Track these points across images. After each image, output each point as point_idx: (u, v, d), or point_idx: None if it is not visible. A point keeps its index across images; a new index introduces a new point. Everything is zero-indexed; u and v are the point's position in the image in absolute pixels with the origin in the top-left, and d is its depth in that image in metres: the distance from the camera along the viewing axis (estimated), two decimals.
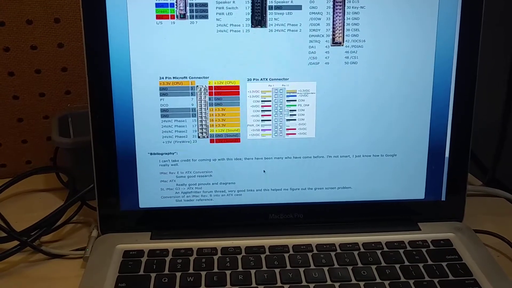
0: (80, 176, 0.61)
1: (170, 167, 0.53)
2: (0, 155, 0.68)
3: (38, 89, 0.67)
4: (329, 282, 0.47)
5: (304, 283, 0.47)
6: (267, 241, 0.52)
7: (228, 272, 0.48)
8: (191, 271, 0.48)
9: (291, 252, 0.51)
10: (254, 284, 0.47)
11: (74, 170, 0.62)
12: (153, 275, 0.48)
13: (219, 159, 0.53)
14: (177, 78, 0.51)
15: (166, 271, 0.48)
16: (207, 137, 0.53)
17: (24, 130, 0.68)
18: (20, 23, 0.63)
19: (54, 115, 0.65)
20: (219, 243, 0.52)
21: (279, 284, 0.47)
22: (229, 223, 0.54)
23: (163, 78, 0.51)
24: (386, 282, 0.47)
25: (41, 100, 0.67)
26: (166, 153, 0.53)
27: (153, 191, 0.53)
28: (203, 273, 0.48)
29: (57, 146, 0.61)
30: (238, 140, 0.53)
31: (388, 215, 0.55)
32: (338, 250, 0.51)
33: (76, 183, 0.61)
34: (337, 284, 0.47)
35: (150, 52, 0.51)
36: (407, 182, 0.55)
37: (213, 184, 0.54)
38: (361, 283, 0.47)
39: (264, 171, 0.54)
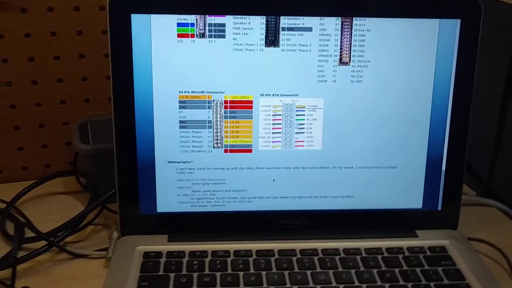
0: (100, 181, 0.65)
1: (186, 174, 0.57)
2: (22, 159, 0.72)
3: (60, 97, 0.71)
4: (334, 284, 0.51)
5: (311, 284, 0.51)
6: (276, 245, 0.56)
7: (241, 274, 0.52)
8: (207, 272, 0.52)
9: (299, 255, 0.55)
10: (265, 285, 0.51)
11: (94, 174, 0.65)
12: (172, 275, 0.52)
13: (232, 168, 0.57)
14: (195, 92, 0.55)
15: (184, 272, 0.52)
16: (222, 147, 0.57)
17: (45, 135, 0.72)
18: (45, 35, 0.67)
19: (74, 121, 0.69)
20: (232, 246, 0.56)
21: (288, 285, 0.51)
22: (241, 228, 0.58)
23: (182, 92, 0.55)
24: (387, 285, 0.51)
25: (62, 107, 0.71)
26: (183, 162, 0.57)
27: (170, 196, 0.57)
28: (218, 274, 0.52)
29: (78, 152, 0.65)
30: (250, 151, 0.57)
31: (388, 223, 0.59)
32: (342, 255, 0.55)
33: (96, 187, 0.65)
34: (341, 286, 0.51)
35: (171, 68, 0.54)
36: (406, 192, 0.59)
37: (226, 191, 0.58)
38: (364, 285, 0.51)
39: (273, 180, 0.58)
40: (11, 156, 0.71)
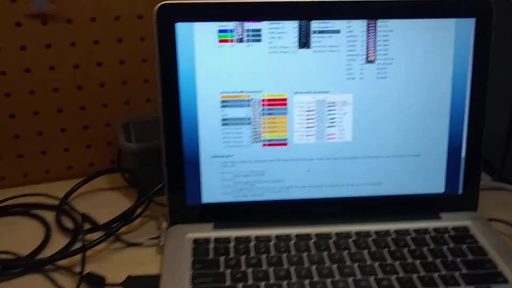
0: (145, 176, 0.70)
1: (228, 167, 0.62)
2: (68, 159, 0.77)
3: (102, 100, 0.76)
4: (369, 262, 0.56)
5: (349, 263, 0.56)
6: (313, 230, 0.61)
7: (284, 255, 0.57)
8: (252, 255, 0.57)
9: (335, 238, 0.60)
10: (307, 264, 0.56)
11: (140, 171, 0.71)
12: (221, 258, 0.57)
13: (270, 161, 0.62)
14: (236, 92, 0.61)
15: (232, 255, 0.57)
16: (260, 141, 0.62)
17: (89, 137, 0.77)
18: (89, 43, 0.72)
19: (118, 122, 0.74)
20: (273, 231, 0.61)
21: (328, 264, 0.56)
22: (279, 215, 0.63)
23: (224, 92, 0.61)
24: (417, 261, 0.56)
25: (104, 110, 0.76)
26: (225, 156, 0.62)
27: (214, 188, 0.63)
28: (263, 256, 0.57)
29: (125, 150, 0.70)
30: (286, 144, 0.62)
31: (414, 207, 0.64)
32: (374, 236, 0.60)
33: (141, 182, 0.70)
34: (376, 263, 0.56)
35: (213, 71, 0.60)
36: (430, 178, 0.64)
37: (264, 182, 0.63)
38: (396, 263, 0.56)
39: (308, 170, 0.63)
40: (58, 157, 0.77)
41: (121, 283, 0.54)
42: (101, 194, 0.74)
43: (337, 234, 0.61)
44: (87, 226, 0.65)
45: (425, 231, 0.61)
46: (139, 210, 0.66)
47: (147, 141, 0.70)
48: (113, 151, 0.79)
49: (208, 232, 0.61)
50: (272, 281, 0.54)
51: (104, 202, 0.71)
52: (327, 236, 0.60)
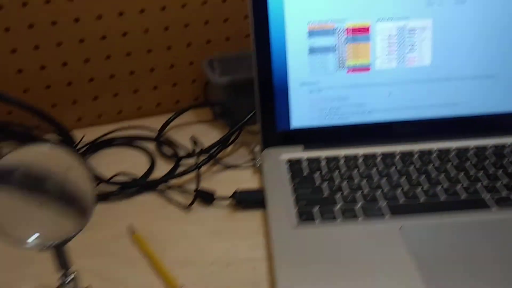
0: (233, 108, 0.76)
1: (315, 94, 0.67)
2: (157, 96, 0.84)
3: (186, 40, 0.81)
4: (453, 173, 0.61)
5: (434, 174, 0.61)
6: (396, 148, 0.66)
7: (373, 170, 0.62)
8: (343, 170, 0.63)
9: (418, 154, 0.65)
10: (396, 177, 0.61)
11: (228, 103, 0.76)
12: (316, 174, 0.63)
13: (353, 86, 0.67)
14: (322, 22, 0.65)
15: (324, 171, 0.63)
16: (344, 68, 0.66)
17: (175, 75, 0.83)
18: None
19: (203, 60, 0.79)
20: (359, 151, 0.66)
21: (415, 176, 0.61)
22: (363, 136, 0.68)
23: (310, 23, 0.65)
24: (499, 171, 0.61)
25: (188, 49, 0.82)
26: (312, 83, 0.67)
27: (302, 113, 0.68)
28: (354, 171, 0.62)
29: (216, 85, 0.75)
30: (368, 69, 0.67)
31: (491, 125, 0.68)
32: (455, 152, 0.65)
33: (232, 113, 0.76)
34: (461, 174, 0.61)
35: (300, 3, 0.64)
36: (505, 98, 0.68)
37: (349, 106, 0.68)
38: (480, 173, 0.61)
39: (389, 94, 0.67)
40: (148, 94, 0.83)
41: (231, 196, 0.61)
42: (191, 127, 0.80)
43: (420, 151, 0.65)
44: (183, 154, 0.71)
45: (503, 146, 0.65)
46: (232, 138, 0.72)
47: (235, 75, 0.75)
48: (197, 88, 0.84)
49: (299, 153, 0.67)
50: (366, 191, 0.59)
51: (195, 134, 0.77)
52: (411, 153, 0.65)
